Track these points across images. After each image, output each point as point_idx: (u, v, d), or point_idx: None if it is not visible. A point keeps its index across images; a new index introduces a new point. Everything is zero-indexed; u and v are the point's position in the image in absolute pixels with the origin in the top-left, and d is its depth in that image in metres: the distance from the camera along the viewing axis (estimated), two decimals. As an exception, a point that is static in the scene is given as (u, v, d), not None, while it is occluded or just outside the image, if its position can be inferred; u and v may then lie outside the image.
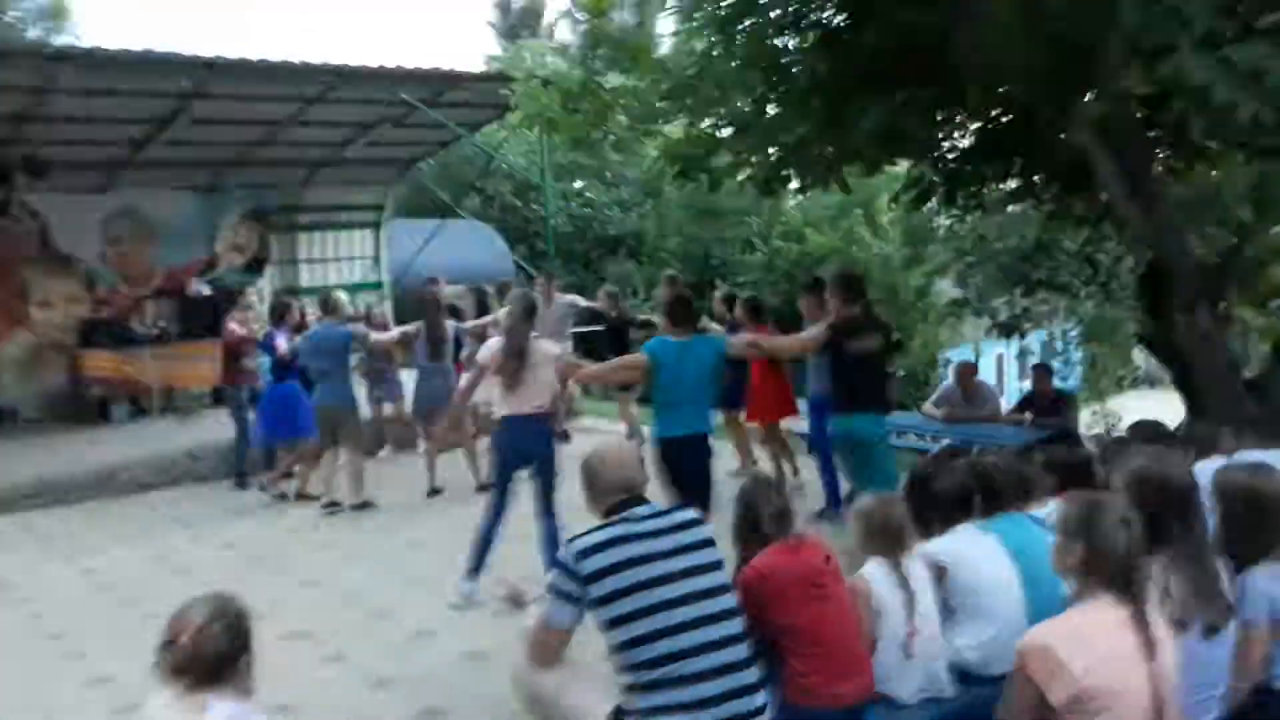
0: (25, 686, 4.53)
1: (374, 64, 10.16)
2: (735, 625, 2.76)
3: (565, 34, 36.53)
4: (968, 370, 9.03)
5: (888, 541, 3.18)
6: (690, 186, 8.51)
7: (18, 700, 4.37)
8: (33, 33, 24.27)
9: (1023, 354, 25.53)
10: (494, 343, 5.64)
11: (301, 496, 7.92)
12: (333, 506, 7.51)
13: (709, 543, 2.86)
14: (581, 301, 9.99)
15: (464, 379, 6.26)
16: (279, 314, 8.34)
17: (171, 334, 11.92)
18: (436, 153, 15.00)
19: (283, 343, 7.94)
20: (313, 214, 14.12)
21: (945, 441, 8.26)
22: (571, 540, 2.87)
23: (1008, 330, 14.19)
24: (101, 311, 11.79)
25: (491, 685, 3.92)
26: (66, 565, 6.55)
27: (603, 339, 10.46)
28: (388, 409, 9.45)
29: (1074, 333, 18.77)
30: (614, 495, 2.96)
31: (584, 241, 24.86)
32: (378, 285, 14.82)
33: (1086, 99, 5.69)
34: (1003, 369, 26.02)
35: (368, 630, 5.01)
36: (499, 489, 5.45)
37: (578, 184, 26.06)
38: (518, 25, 35.86)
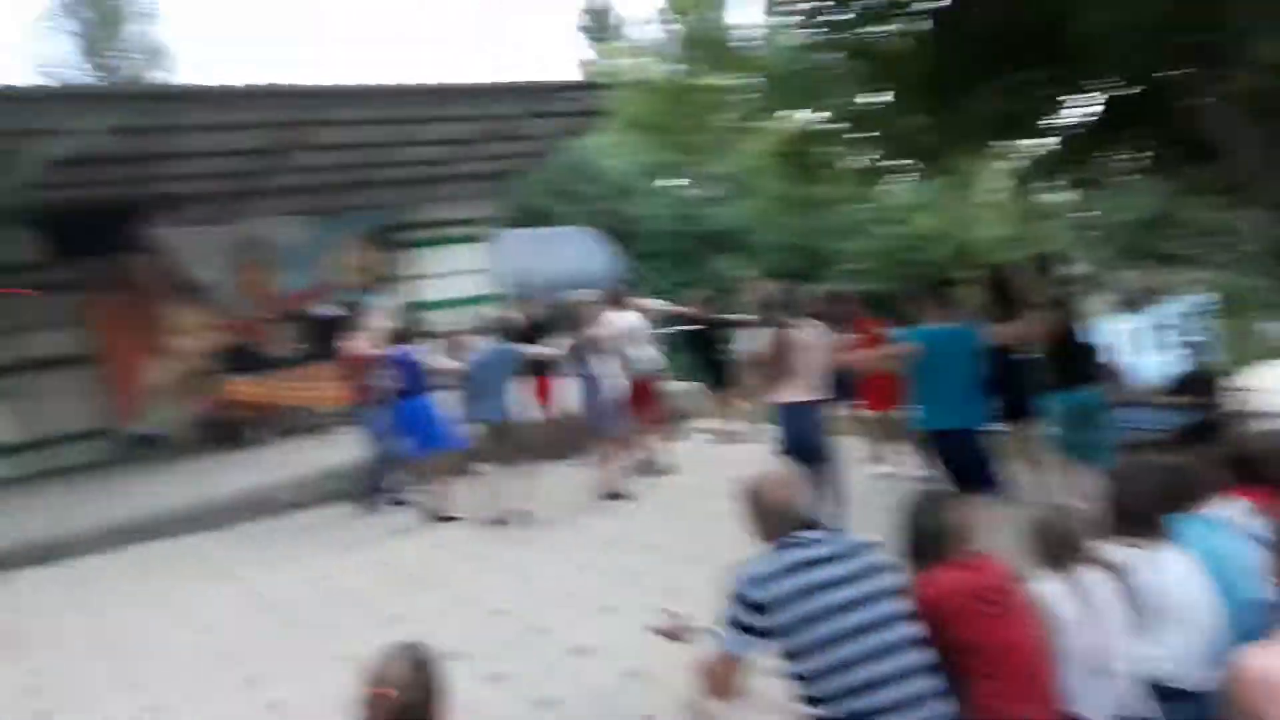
0: (206, 710, 4.75)
1: (471, 81, 10.33)
2: (921, 655, 2.70)
3: (657, 34, 36.75)
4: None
5: (1065, 553, 3.07)
6: (787, 178, 8.42)
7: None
8: (132, 70, 25.64)
9: (1158, 327, 24.53)
10: (760, 334, 5.77)
11: (442, 514, 8.05)
12: (502, 521, 7.65)
13: (888, 567, 2.81)
14: (657, 305, 9.74)
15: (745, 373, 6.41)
16: (409, 336, 8.52)
17: (302, 356, 12.38)
18: (538, 162, 15.18)
19: (441, 359, 8.14)
20: (427, 230, 14.46)
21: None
22: (744, 567, 2.85)
23: (1134, 305, 13.65)
24: (235, 338, 12.32)
25: (656, 705, 3.94)
26: (228, 586, 6.86)
27: (694, 341, 10.49)
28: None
29: (1207, 304, 17.88)
30: (783, 522, 2.93)
31: (684, 240, 24.83)
32: (494, 298, 15.08)
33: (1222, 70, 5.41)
34: (1131, 344, 25.00)
35: (526, 648, 5.08)
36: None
37: (673, 182, 26.05)
38: (610, 29, 36.02)
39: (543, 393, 9.40)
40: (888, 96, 6.78)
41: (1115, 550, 3.18)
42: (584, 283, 19.00)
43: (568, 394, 8.87)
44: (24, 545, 8.09)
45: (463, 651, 5.01)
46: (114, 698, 5.04)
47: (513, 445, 7.89)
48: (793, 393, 5.72)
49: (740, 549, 3.03)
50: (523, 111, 11.12)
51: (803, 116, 7.91)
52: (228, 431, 11.84)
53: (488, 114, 11.16)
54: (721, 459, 8.87)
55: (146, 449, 11.86)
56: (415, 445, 8.23)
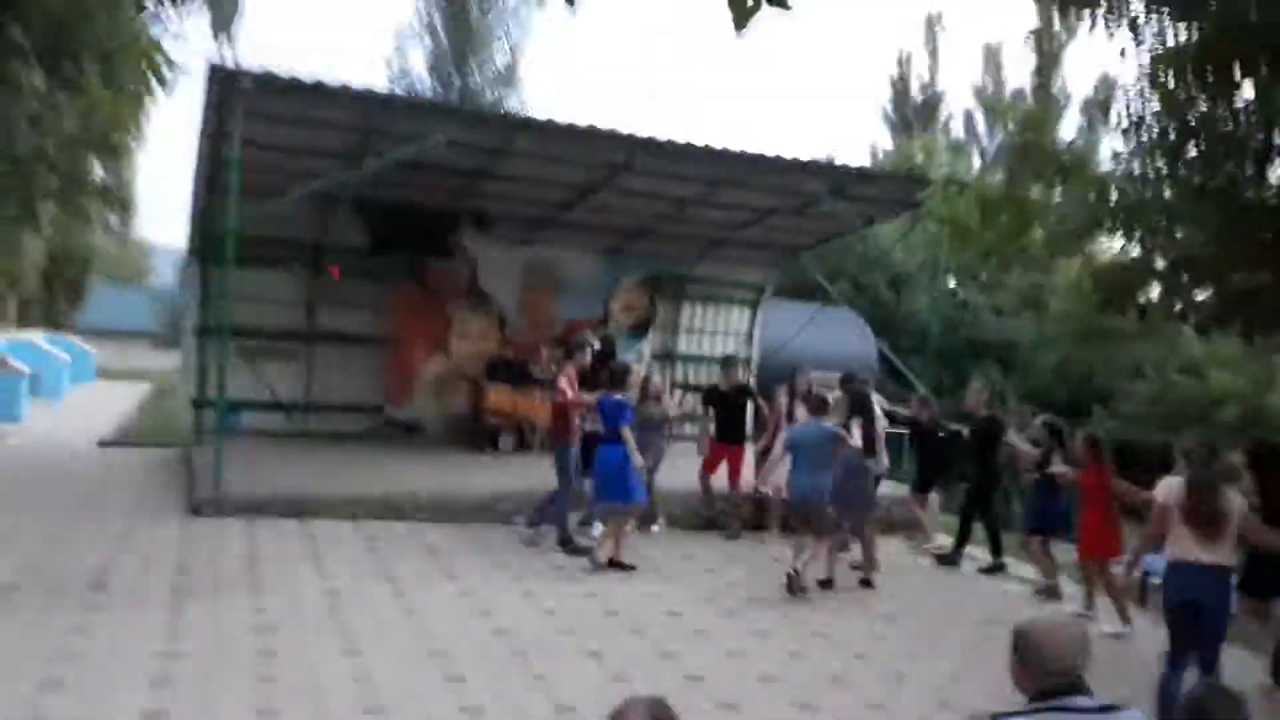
0: (397, 680, 4.99)
1: (781, 155, 10.46)
2: None
3: (959, 130, 36.06)
4: None
5: None
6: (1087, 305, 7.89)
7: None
8: (488, 94, 27.88)
9: None
10: (1173, 481, 5.55)
11: (615, 564, 7.92)
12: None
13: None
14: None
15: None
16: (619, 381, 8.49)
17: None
18: (829, 241, 15.21)
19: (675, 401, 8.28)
20: (699, 285, 14.83)
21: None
22: (998, 717, 2.66)
23: None
24: (507, 350, 13.08)
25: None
26: (448, 584, 7.20)
27: (913, 444, 10.43)
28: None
29: None
30: (1052, 678, 2.71)
31: (951, 343, 23.98)
32: (747, 361, 15.21)
33: None
34: None
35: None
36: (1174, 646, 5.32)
37: (952, 282, 25.32)
38: (912, 117, 35.76)
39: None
40: (1230, 245, 6.23)
41: None
42: (838, 364, 18.76)
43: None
44: (275, 498, 8.88)
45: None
46: (329, 658, 5.41)
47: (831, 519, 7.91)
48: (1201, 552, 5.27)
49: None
50: (825, 191, 11.16)
51: (1123, 246, 7.44)
52: (480, 435, 12.52)
53: (791, 187, 11.29)
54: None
55: (406, 433, 12.78)
56: (607, 492, 8.19)
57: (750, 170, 10.69)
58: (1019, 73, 39.52)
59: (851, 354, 18.91)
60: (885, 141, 34.98)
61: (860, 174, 11.19)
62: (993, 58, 35.53)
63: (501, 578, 7.44)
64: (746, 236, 13.60)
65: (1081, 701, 2.64)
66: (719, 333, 15.26)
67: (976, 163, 34.40)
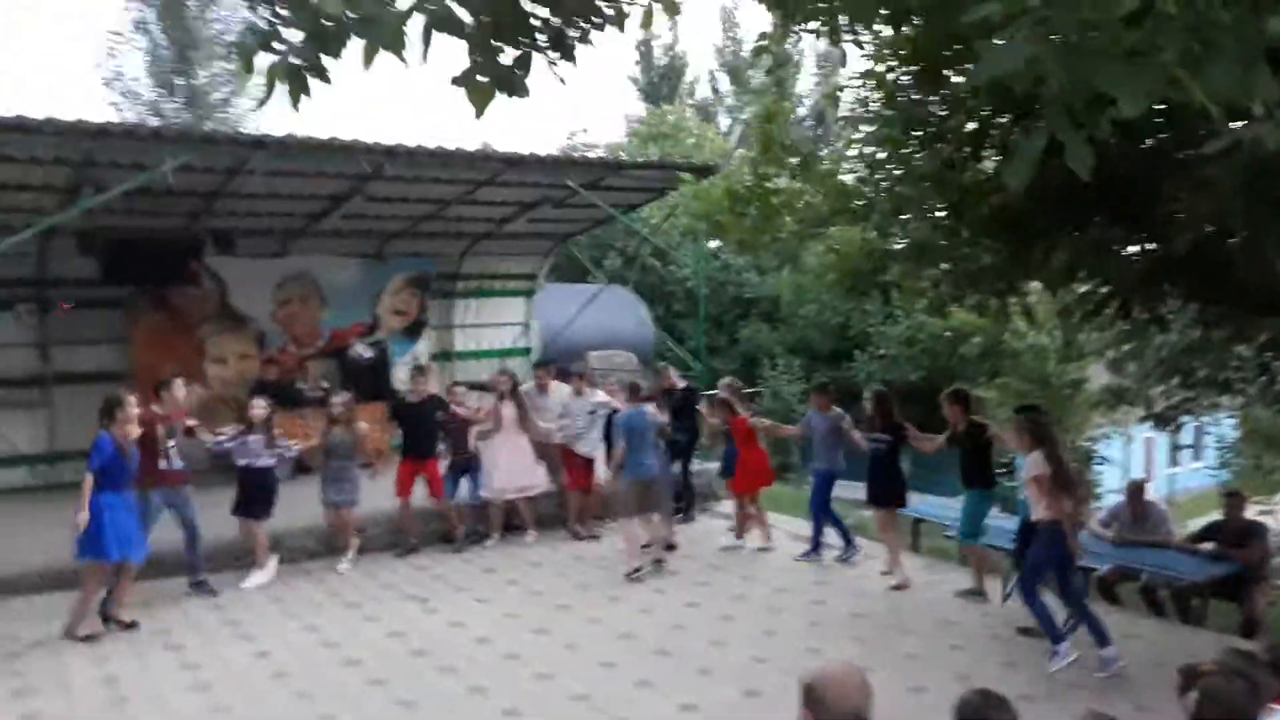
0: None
1: (542, 153, 10.49)
2: None
3: (705, 91, 37.22)
4: (1137, 490, 8.67)
5: None
6: (829, 254, 8.38)
7: None
8: (217, 94, 25.95)
9: (1177, 447, 24.39)
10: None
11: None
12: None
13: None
14: (600, 399, 9.79)
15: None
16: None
17: (330, 393, 12.40)
18: (592, 229, 15.36)
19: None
20: (469, 281, 14.61)
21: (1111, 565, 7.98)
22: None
23: (1163, 421, 13.61)
24: (270, 371, 12.37)
25: None
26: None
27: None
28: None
29: (1233, 431, 17.78)
30: (840, 725, 2.87)
31: (719, 304, 24.91)
32: (526, 351, 15.17)
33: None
34: (1151, 455, 24.87)
35: None
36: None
37: (713, 243, 26.27)
38: (659, 82, 36.48)
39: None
40: (959, 232, 6.79)
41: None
42: (619, 344, 19.06)
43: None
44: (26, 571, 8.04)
45: None
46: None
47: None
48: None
49: None
50: (584, 184, 11.23)
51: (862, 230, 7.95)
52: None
53: (551, 182, 11.29)
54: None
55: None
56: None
57: (505, 170, 10.59)
58: (756, 29, 41.40)
59: (628, 332, 19.30)
60: (638, 108, 35.53)
61: (614, 166, 11.32)
62: (729, 18, 36.77)
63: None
64: (512, 230, 13.49)
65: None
66: (496, 325, 15.10)
67: (724, 123, 35.65)
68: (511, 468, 9.52)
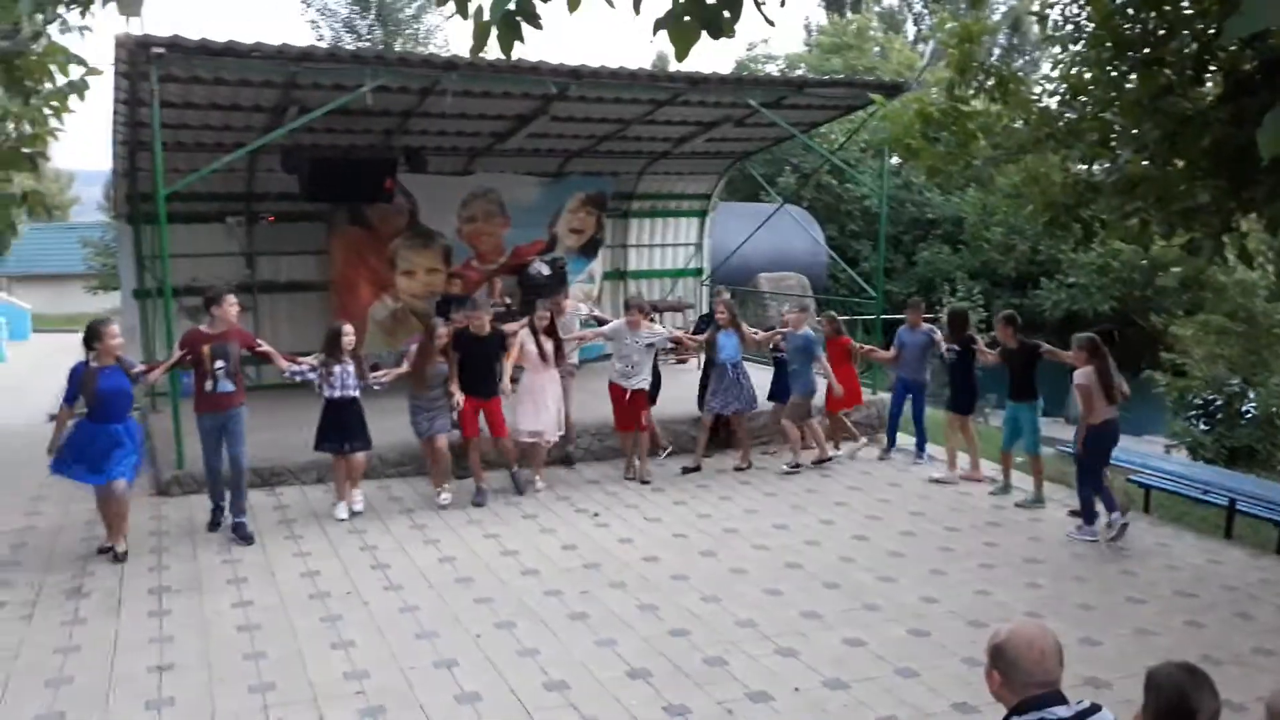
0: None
1: (725, 72, 10.28)
2: None
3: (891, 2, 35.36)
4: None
5: None
6: (1030, 184, 7.90)
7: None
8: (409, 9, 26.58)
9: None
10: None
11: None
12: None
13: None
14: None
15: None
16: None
17: (514, 310, 12.83)
18: (770, 147, 15.06)
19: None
20: (645, 201, 14.66)
21: None
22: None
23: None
24: (454, 285, 12.87)
25: None
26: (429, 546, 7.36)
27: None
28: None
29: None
30: (1032, 689, 2.80)
31: (898, 223, 24.08)
32: (698, 272, 15.19)
33: None
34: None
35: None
36: None
37: (894, 160, 25.29)
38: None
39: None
40: (1174, 165, 6.30)
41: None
42: (787, 264, 18.76)
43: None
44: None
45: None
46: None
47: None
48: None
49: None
50: (766, 104, 10.98)
51: (1064, 159, 7.49)
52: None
53: (732, 101, 11.11)
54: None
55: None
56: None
57: (687, 90, 10.47)
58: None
59: (800, 252, 18.97)
60: (820, 16, 34.23)
61: (799, 84, 10.98)
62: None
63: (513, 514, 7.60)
64: (690, 149, 13.39)
65: (1061, 712, 2.75)
66: (669, 245, 15.17)
67: (911, 32, 33.89)
68: (526, 412, 9.04)
